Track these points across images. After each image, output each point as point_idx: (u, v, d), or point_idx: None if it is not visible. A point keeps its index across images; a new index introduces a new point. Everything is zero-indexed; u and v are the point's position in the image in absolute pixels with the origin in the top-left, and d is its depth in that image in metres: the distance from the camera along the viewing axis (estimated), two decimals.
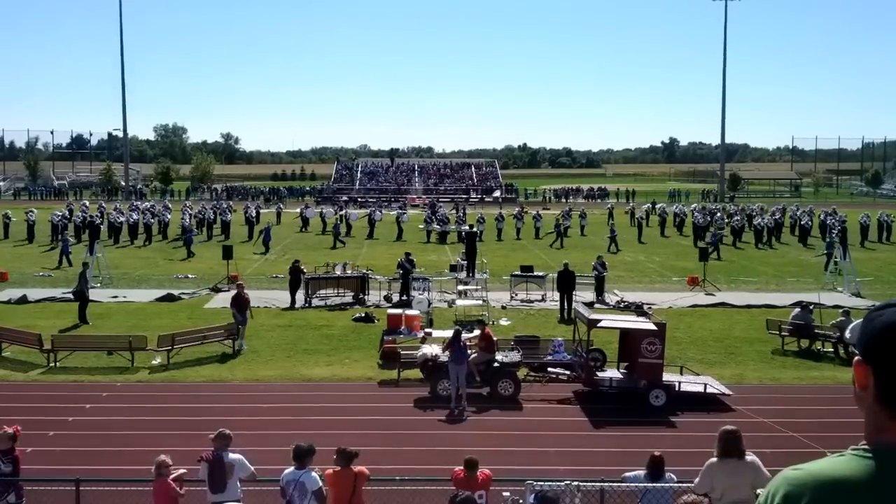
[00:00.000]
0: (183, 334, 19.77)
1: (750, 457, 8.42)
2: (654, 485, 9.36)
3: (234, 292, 21.78)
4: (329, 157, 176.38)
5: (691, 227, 49.06)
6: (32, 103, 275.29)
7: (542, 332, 21.51)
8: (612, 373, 17.42)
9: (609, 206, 63.40)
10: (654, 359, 16.30)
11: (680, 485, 9.42)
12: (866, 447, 1.82)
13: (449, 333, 19.75)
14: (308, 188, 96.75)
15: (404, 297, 26.19)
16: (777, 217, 50.04)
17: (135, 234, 46.14)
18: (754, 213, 54.14)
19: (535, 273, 28.53)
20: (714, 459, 8.34)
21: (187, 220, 45.20)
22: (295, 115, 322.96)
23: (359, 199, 79.49)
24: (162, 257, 38.46)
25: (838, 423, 14.63)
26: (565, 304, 24.76)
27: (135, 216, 49.21)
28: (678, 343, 21.02)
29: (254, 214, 50.81)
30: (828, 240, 39.52)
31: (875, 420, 1.84)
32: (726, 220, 51.49)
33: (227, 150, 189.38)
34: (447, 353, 16.32)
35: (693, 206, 64.14)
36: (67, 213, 50.20)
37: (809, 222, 50.29)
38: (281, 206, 63.95)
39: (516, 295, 27.83)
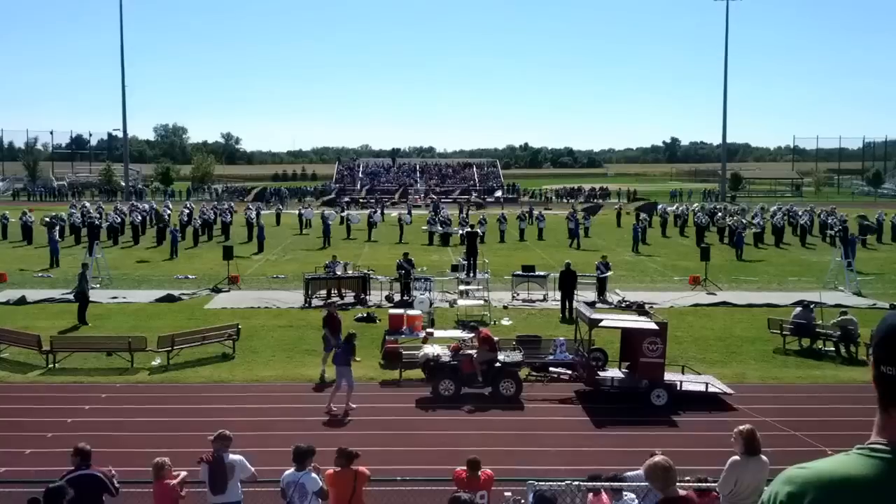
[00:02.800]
0: (183, 335, 19.71)
1: (763, 457, 8.48)
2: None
3: (324, 313, 19.21)
4: (330, 157, 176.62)
5: (693, 227, 49.00)
6: (32, 103, 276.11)
7: (543, 331, 21.44)
8: (613, 372, 17.38)
9: (617, 206, 62.78)
10: (655, 358, 16.25)
11: (681, 485, 9.38)
12: (871, 446, 1.82)
13: (451, 335, 19.81)
14: (311, 188, 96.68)
15: (405, 298, 26.15)
16: (778, 217, 49.95)
17: (137, 234, 46.19)
18: (755, 214, 54.02)
19: (537, 273, 28.47)
20: (737, 457, 8.39)
21: (185, 218, 45.41)
22: (295, 115, 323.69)
23: (360, 200, 79.42)
24: (162, 258, 38.42)
25: (840, 422, 14.62)
26: (567, 303, 24.70)
27: (139, 217, 49.32)
28: (679, 342, 20.97)
29: (254, 216, 50.84)
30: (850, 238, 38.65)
31: (878, 418, 1.87)
32: (727, 220, 51.41)
33: (227, 151, 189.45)
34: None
35: (695, 205, 64.02)
36: (68, 215, 50.10)
37: (809, 222, 50.21)
38: (280, 206, 63.83)
39: (518, 295, 27.78)
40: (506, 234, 47.43)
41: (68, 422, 15.18)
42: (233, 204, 60.64)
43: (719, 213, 53.99)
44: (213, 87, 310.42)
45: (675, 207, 60.09)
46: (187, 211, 51.94)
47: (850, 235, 39.39)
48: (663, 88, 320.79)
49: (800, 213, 53.47)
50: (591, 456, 13.44)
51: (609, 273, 27.92)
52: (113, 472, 9.65)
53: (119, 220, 48.02)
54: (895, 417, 1.85)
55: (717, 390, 16.59)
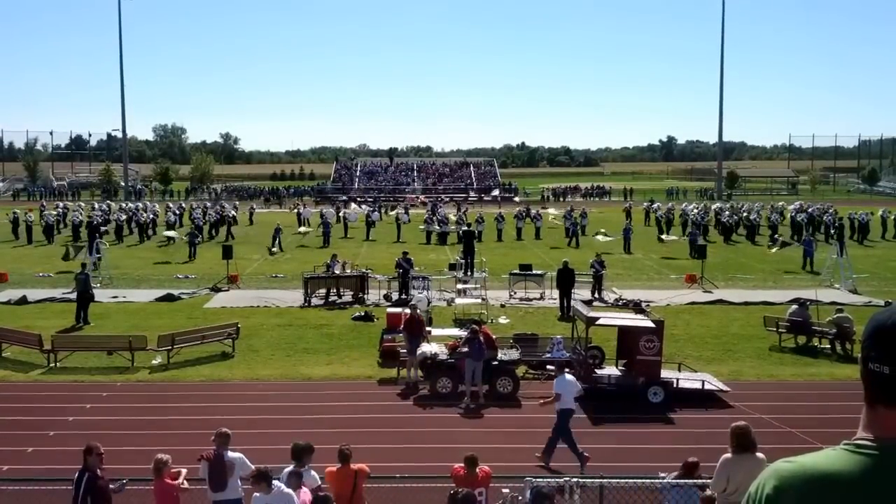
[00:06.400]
0: (183, 334, 19.81)
1: (760, 454, 8.52)
2: (653, 482, 9.42)
3: (406, 314, 18.76)
4: (328, 156, 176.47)
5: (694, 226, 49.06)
6: (31, 104, 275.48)
7: (540, 329, 21.56)
8: (610, 370, 17.49)
9: (627, 206, 62.15)
10: (652, 356, 16.37)
11: (678, 482, 9.49)
12: (857, 442, 1.85)
13: (449, 333, 19.92)
14: (310, 188, 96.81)
15: (403, 296, 26.25)
16: (775, 216, 50.16)
17: (143, 233, 46.61)
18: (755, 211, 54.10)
19: (534, 271, 28.59)
20: (729, 455, 8.44)
21: (200, 219, 45.99)
22: (294, 114, 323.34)
23: (358, 199, 79.48)
24: (162, 257, 38.47)
25: (835, 419, 14.70)
26: (565, 301, 24.83)
27: (144, 216, 49.66)
28: (676, 340, 21.08)
29: (231, 215, 51.36)
30: (805, 237, 39.18)
31: (864, 414, 1.90)
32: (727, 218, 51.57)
33: (226, 150, 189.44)
34: (465, 349, 16.38)
35: (694, 204, 63.99)
36: (60, 214, 50.20)
37: (805, 218, 50.36)
38: (253, 206, 63.80)
39: (515, 293, 27.89)
40: (503, 232, 47.49)
41: (69, 420, 15.28)
42: (222, 204, 60.97)
43: (726, 213, 53.96)
44: (211, 87, 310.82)
45: (691, 206, 59.19)
46: (178, 212, 52.31)
47: (807, 236, 39.49)
48: (660, 87, 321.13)
49: (809, 210, 53.52)
50: (588, 453, 13.54)
51: (604, 271, 28.03)
52: (124, 480, 9.70)
53: (122, 218, 48.43)
54: (881, 414, 1.85)
55: (713, 388, 16.70)
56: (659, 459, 12.89)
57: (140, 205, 59.02)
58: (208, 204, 57.13)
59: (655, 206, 58.77)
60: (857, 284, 29.92)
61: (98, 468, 9.32)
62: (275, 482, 8.74)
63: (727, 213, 52.82)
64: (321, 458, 9.92)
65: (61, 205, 59.37)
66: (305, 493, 9.04)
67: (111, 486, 9.39)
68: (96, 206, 59.24)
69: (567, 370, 14.18)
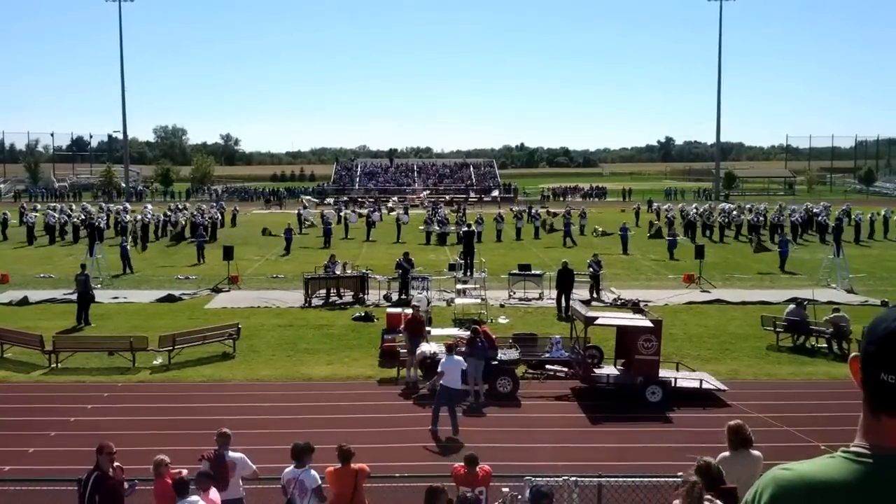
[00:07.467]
0: (183, 335, 19.88)
1: (756, 451, 8.62)
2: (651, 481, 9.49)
3: (407, 314, 19.00)
4: (328, 157, 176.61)
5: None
6: (33, 106, 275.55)
7: (540, 329, 21.63)
8: (609, 369, 17.57)
9: (635, 206, 61.62)
10: (650, 355, 16.45)
11: (673, 479, 9.57)
12: (855, 451, 1.84)
13: (448, 333, 20.00)
14: (311, 188, 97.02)
15: (403, 297, 26.34)
16: (776, 215, 50.29)
17: (146, 235, 46.85)
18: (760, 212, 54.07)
19: (533, 272, 28.69)
20: (727, 453, 8.53)
21: (204, 220, 46.33)
22: (294, 115, 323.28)
23: (358, 200, 79.53)
24: (162, 258, 38.53)
25: (832, 418, 14.76)
26: (563, 302, 24.92)
27: (151, 217, 49.86)
28: (674, 340, 21.17)
29: (218, 217, 51.47)
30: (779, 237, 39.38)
31: (864, 420, 1.87)
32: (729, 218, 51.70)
33: (226, 152, 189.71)
34: (464, 349, 16.47)
35: (694, 204, 64.07)
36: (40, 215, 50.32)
37: (801, 219, 50.47)
38: (237, 208, 63.79)
39: (514, 293, 27.99)
40: (503, 233, 47.57)
41: (71, 421, 15.35)
42: (221, 205, 61.12)
43: (734, 212, 54.09)
44: (212, 88, 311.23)
45: (695, 208, 59.27)
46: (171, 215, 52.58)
47: (781, 237, 39.53)
48: (658, 88, 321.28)
49: (815, 209, 53.54)
50: (587, 452, 13.64)
51: (602, 271, 28.13)
52: (135, 481, 9.77)
53: (127, 218, 48.59)
54: (884, 423, 1.81)
55: (711, 387, 16.78)
56: (657, 458, 12.99)
57: (125, 206, 59.42)
58: (189, 205, 57.36)
59: (666, 206, 58.74)
60: (854, 284, 30.01)
61: (108, 467, 9.39)
62: (189, 498, 8.73)
63: (734, 212, 52.99)
64: (321, 458, 9.97)
65: (40, 206, 59.69)
66: (214, 496, 9.10)
67: (124, 485, 9.47)
68: (76, 207, 59.30)
69: (455, 352, 15.22)
